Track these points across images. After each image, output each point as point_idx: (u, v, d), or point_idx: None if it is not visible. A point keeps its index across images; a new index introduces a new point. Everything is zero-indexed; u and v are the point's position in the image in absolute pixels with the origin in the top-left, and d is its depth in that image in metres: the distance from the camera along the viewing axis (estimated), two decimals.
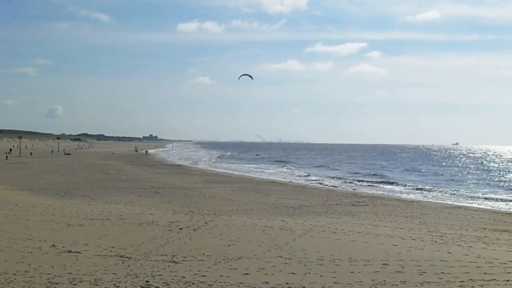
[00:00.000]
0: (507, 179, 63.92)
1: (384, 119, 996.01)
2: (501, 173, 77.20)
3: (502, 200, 39.96)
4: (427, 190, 46.89)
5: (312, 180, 56.76)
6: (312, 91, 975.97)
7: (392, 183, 53.92)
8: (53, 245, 15.80)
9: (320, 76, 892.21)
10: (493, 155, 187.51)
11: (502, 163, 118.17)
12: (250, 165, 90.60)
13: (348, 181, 56.05)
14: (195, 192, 36.07)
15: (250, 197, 33.58)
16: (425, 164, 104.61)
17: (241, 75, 46.94)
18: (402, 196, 40.17)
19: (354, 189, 45.88)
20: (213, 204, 29.11)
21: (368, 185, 51.06)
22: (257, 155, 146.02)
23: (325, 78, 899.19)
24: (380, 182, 54.85)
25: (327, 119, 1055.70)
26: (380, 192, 43.22)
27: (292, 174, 66.93)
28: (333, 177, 60.66)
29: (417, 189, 48.14)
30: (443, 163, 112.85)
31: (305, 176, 63.18)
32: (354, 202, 32.70)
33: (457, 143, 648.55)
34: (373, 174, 67.73)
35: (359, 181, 56.34)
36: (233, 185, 43.20)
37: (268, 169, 79.96)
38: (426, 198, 39.70)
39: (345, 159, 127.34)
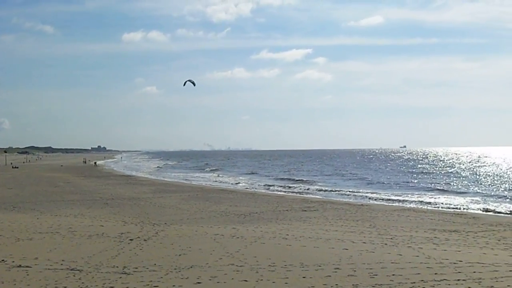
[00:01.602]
0: (426, 181, 64.95)
1: (332, 124, 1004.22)
2: (429, 176, 78.58)
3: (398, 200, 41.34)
4: (327, 190, 50.50)
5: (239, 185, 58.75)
6: (259, 98, 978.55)
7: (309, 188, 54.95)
8: (2, 260, 15.32)
9: (267, 83, 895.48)
10: (433, 157, 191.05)
11: (434, 164, 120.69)
12: (182, 173, 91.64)
13: (272, 187, 57.15)
14: (145, 202, 35.65)
15: (200, 206, 33.32)
16: (357, 168, 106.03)
17: (185, 81, 46.54)
18: (344, 200, 40.44)
19: (304, 194, 46.31)
20: (163, 214, 28.78)
21: (296, 191, 51.57)
22: (207, 164, 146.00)
23: (272, 85, 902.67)
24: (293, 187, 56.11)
25: (275, 125, 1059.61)
26: (328, 198, 43.64)
27: (221, 182, 67.08)
28: (261, 185, 60.82)
29: (322, 190, 51.44)
30: (373, 166, 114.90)
31: (235, 183, 63.80)
32: (304, 207, 32.79)
33: (404, 146, 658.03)
34: (299, 180, 68.84)
35: (279, 186, 58.13)
36: (183, 194, 42.92)
37: (199, 176, 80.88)
38: (373, 201, 40.08)
39: (285, 165, 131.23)
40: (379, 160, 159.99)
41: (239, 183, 64.51)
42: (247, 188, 54.71)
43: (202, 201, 36.52)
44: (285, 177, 74.82)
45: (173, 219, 26.09)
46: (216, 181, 67.84)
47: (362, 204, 36.06)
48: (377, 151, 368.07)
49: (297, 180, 67.60)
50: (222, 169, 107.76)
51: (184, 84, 46.68)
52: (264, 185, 59.10)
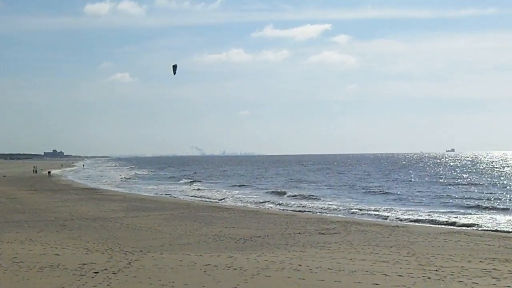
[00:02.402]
0: (478, 196, 64.67)
1: (357, 122, 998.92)
2: (483, 188, 77.96)
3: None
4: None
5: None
6: (262, 89, 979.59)
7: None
8: None
9: (273, 68, 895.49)
10: (487, 163, 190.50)
11: (488, 174, 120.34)
12: (151, 185, 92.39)
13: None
14: (114, 223, 35.68)
15: (187, 228, 33.45)
16: (387, 179, 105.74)
17: (175, 66, 46.19)
18: (376, 221, 40.50)
19: (318, 212, 47.21)
20: (138, 238, 28.82)
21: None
22: (195, 173, 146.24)
23: (279, 70, 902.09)
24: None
25: (283, 124, 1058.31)
26: (351, 217, 43.91)
27: (199, 197, 67.34)
28: (253, 201, 61.19)
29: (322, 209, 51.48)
30: (405, 176, 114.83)
31: (218, 199, 63.88)
32: (322, 229, 32.92)
33: (452, 150, 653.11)
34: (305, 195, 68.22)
35: (276, 203, 58.71)
36: (164, 212, 43.05)
37: (170, 189, 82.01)
38: (409, 223, 40.10)
39: (290, 174, 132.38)
40: (416, 168, 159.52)
41: (224, 198, 64.07)
42: (247, 204, 54.66)
43: (189, 222, 36.68)
44: (288, 191, 74.19)
45: (151, 245, 26.08)
46: (193, 196, 67.70)
47: (397, 226, 36.14)
48: (415, 157, 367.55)
49: (303, 196, 66.98)
50: (206, 180, 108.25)
51: (175, 72, 46.37)
52: (257, 202, 59.15)
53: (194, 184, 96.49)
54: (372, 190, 74.99)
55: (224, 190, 79.07)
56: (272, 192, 74.32)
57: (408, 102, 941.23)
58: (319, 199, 62.21)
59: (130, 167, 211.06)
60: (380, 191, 73.08)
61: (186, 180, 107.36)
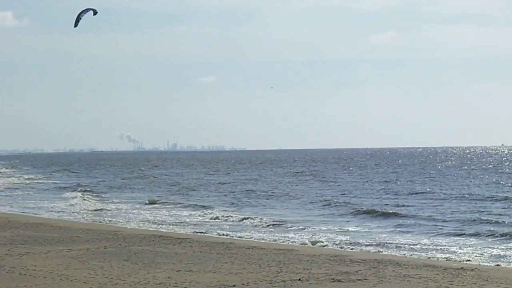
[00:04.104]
0: None
1: (393, 95, 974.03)
2: None
3: None
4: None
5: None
6: (238, 39, 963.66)
7: None
8: None
9: (255, 4, 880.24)
10: None
11: None
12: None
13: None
14: None
15: (114, 272, 30.79)
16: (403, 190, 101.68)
17: (80, 14, 42.91)
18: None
19: (337, 246, 44.93)
20: None
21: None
22: (123, 179, 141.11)
23: (265, 10, 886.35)
24: None
25: (271, 98, 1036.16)
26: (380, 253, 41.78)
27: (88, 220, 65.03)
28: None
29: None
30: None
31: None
32: (337, 273, 30.63)
33: None
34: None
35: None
36: (75, 246, 40.44)
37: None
38: (480, 263, 38.14)
39: (260, 180, 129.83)
40: (482, 172, 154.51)
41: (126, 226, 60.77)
42: (217, 233, 52.75)
43: (117, 261, 34.07)
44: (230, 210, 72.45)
45: None
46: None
47: (462, 268, 33.32)
48: (486, 152, 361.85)
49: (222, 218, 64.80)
50: (110, 192, 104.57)
51: (77, 23, 42.90)
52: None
53: (82, 194, 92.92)
54: (381, 211, 70.57)
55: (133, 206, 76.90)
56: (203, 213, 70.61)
57: (481, 63, 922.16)
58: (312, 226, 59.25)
59: None
60: (412, 215, 68.74)
61: (74, 194, 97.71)
